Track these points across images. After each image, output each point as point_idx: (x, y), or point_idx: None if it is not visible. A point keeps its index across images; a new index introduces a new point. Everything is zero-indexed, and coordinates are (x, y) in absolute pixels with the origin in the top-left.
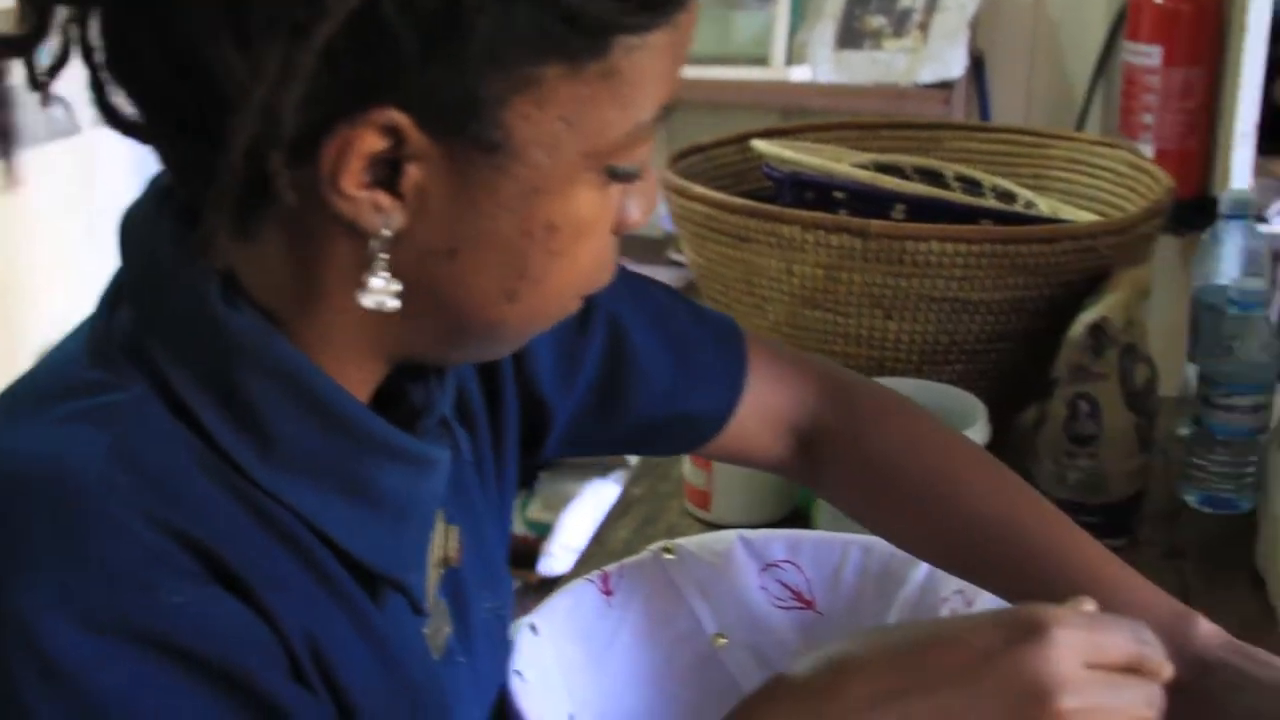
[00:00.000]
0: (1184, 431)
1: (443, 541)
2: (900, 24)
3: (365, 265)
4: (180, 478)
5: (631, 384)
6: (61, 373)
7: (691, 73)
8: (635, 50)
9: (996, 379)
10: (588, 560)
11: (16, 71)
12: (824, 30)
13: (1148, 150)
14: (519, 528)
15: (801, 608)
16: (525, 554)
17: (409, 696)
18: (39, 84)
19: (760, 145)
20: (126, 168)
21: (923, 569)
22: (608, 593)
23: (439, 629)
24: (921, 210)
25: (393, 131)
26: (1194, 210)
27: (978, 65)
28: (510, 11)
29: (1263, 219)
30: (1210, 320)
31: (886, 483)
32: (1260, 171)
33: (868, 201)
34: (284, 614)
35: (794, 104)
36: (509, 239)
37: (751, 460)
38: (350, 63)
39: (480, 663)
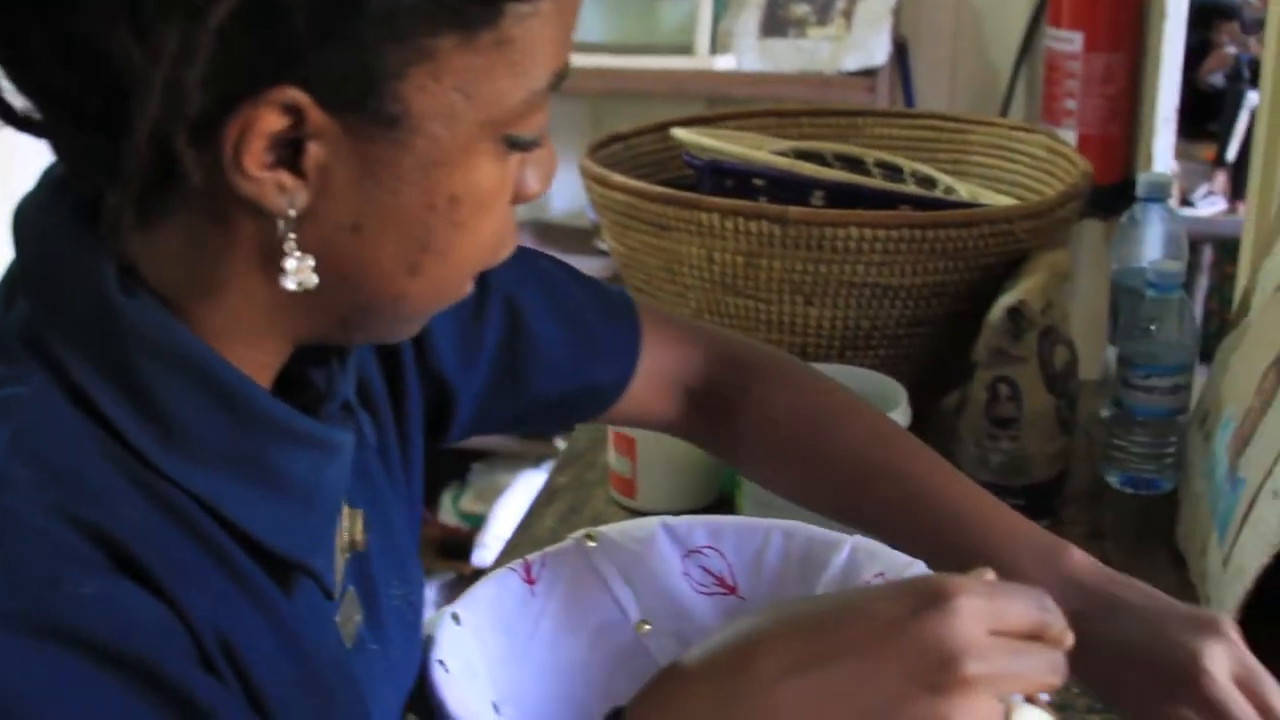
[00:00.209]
0: (1105, 413)
1: (348, 526)
2: (824, 12)
3: (270, 247)
4: (82, 469)
5: (531, 361)
6: None
7: (616, 62)
8: (526, 18)
9: (918, 363)
10: (513, 549)
11: None
12: (748, 19)
13: (1071, 136)
14: (452, 519)
15: (724, 593)
16: (458, 545)
17: (320, 686)
18: None
19: (680, 133)
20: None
21: (844, 553)
22: (530, 581)
23: (350, 617)
24: (840, 197)
25: (293, 110)
26: (1117, 195)
27: (901, 52)
28: None
29: (1188, 202)
30: (1129, 303)
31: (774, 436)
32: (1184, 156)
33: (787, 188)
34: (191, 605)
35: (719, 93)
36: (412, 212)
37: (646, 422)
38: (247, 43)
39: (393, 650)
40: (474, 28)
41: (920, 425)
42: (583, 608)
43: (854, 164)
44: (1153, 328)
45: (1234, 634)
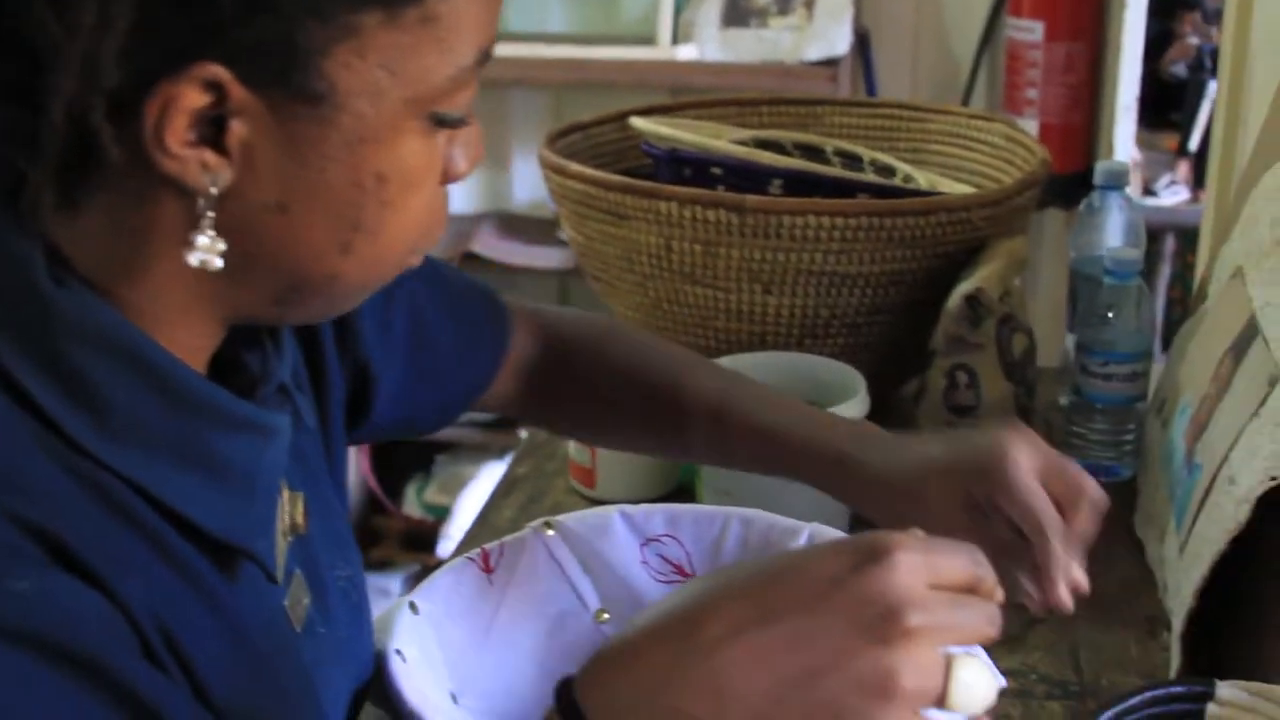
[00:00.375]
0: (1064, 401)
1: (289, 509)
2: (785, 2)
3: (194, 225)
4: (16, 460)
5: (432, 351)
6: None
7: (578, 52)
8: None
9: (877, 352)
10: (472, 540)
11: None
12: (710, 9)
13: (1032, 125)
14: (417, 511)
15: (683, 581)
16: (423, 537)
17: (266, 673)
18: None
19: (638, 122)
20: None
21: (803, 539)
22: (488, 571)
23: (298, 600)
24: (798, 185)
25: (215, 86)
26: (1079, 183)
27: (863, 42)
28: None
29: (1151, 192)
30: (1087, 290)
31: (592, 396)
32: (1147, 145)
33: (745, 177)
34: (132, 596)
35: (681, 83)
36: (339, 191)
37: (489, 406)
38: (167, 17)
39: (340, 632)
40: (398, 4)
41: (880, 413)
42: (541, 597)
43: (813, 153)
44: (1111, 315)
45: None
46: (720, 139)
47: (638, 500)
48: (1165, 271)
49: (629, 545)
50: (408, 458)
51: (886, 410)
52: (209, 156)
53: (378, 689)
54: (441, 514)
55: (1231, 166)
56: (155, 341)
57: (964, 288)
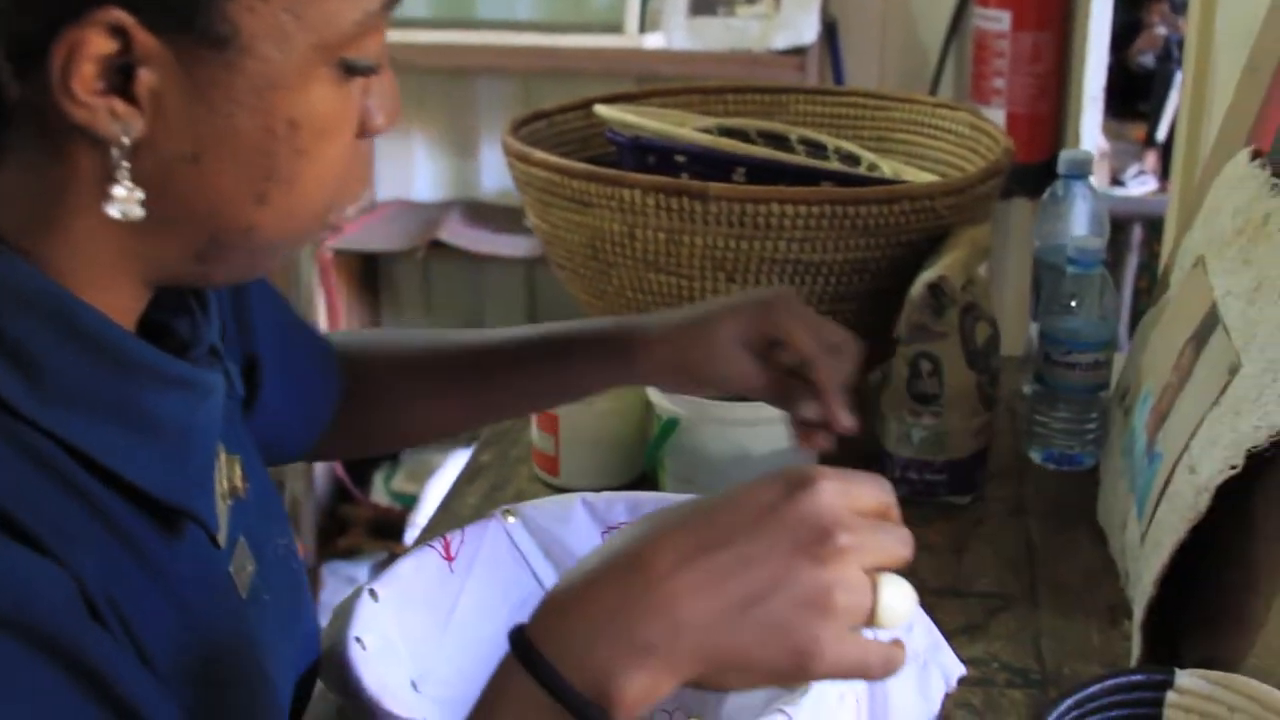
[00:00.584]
0: (1028, 389)
1: (227, 473)
2: None
3: (111, 180)
4: None
5: (297, 372)
6: None
7: (545, 41)
8: None
9: None
10: (434, 527)
11: None
12: None
13: (999, 114)
14: (384, 499)
15: None
16: (390, 525)
17: (213, 639)
18: None
19: (603, 110)
20: None
21: None
22: (449, 558)
23: (242, 567)
24: (762, 173)
25: (119, 32)
26: (1045, 173)
27: (830, 31)
28: None
29: (1119, 182)
30: (1051, 279)
31: (413, 389)
32: (1115, 135)
33: (709, 165)
34: (76, 562)
35: (648, 71)
36: (251, 138)
37: (323, 451)
38: None
39: (282, 600)
40: None
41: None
42: (503, 584)
43: (778, 141)
44: (1074, 304)
45: None
46: (685, 127)
47: (600, 488)
48: (1133, 261)
49: (590, 533)
50: None
51: (853, 398)
52: (118, 105)
53: (337, 677)
54: (409, 502)
55: (1196, 156)
56: (83, 300)
57: (927, 276)
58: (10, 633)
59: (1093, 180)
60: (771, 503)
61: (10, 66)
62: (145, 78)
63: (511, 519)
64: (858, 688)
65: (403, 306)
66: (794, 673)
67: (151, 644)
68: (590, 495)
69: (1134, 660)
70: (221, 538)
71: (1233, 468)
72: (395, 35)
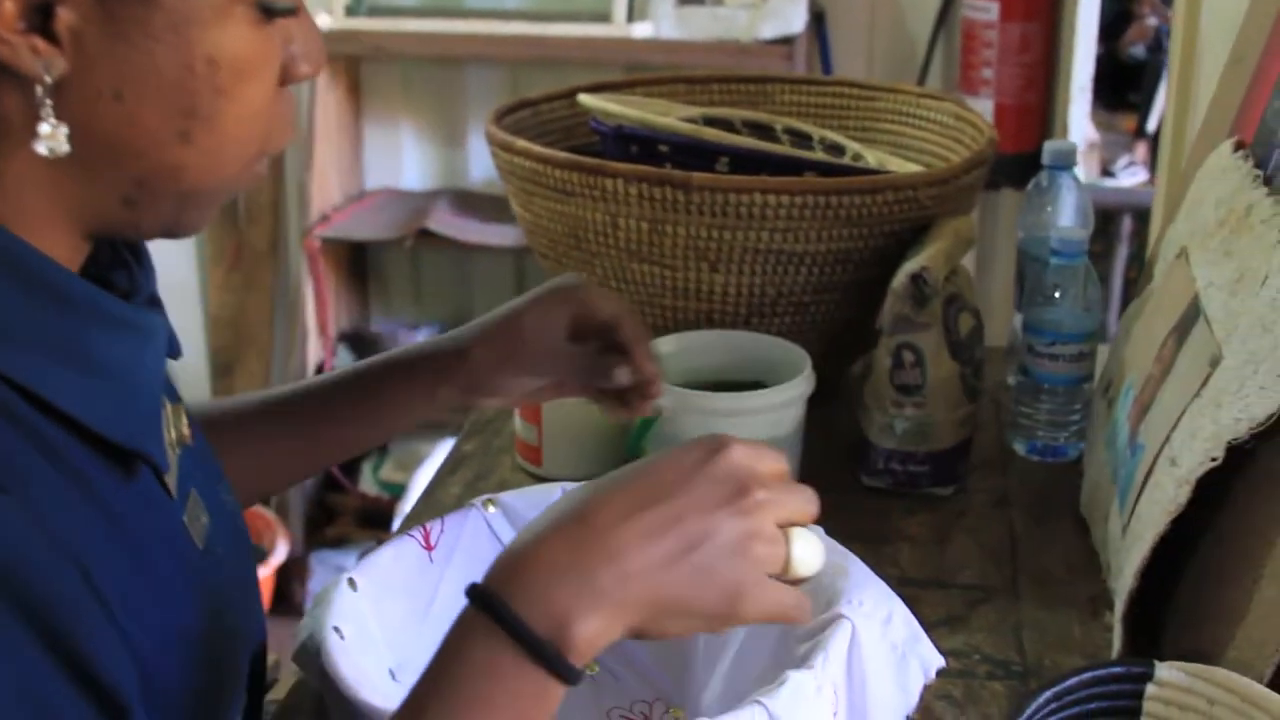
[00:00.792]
0: (1012, 381)
1: (173, 421)
2: None
3: (36, 116)
4: None
5: None
6: None
7: (533, 29)
8: None
9: (826, 330)
10: (416, 517)
11: None
12: None
13: (987, 104)
14: (372, 488)
15: None
16: (379, 514)
17: (167, 588)
18: None
19: (586, 99)
20: None
21: None
22: (429, 547)
23: (196, 518)
24: (746, 163)
25: None
26: (1033, 163)
27: (819, 21)
28: None
29: (1109, 173)
30: (1034, 270)
31: (260, 454)
32: (1106, 126)
33: (692, 155)
34: (35, 502)
35: (636, 60)
36: (171, 75)
37: None
38: None
39: (233, 554)
40: None
41: (829, 392)
42: (482, 573)
43: (763, 131)
44: (1057, 295)
45: None
46: (669, 116)
47: (583, 478)
48: (1123, 252)
49: None
50: None
51: (834, 389)
52: (39, 43)
53: (315, 666)
54: (397, 491)
55: (1182, 148)
56: (26, 241)
57: (909, 267)
58: None
59: (1082, 171)
60: (695, 463)
61: None
62: (64, 16)
63: (492, 508)
64: (836, 679)
65: (391, 296)
66: (725, 614)
67: (108, 590)
68: (571, 485)
69: (1115, 652)
70: (173, 485)
71: (1213, 460)
72: (384, 24)
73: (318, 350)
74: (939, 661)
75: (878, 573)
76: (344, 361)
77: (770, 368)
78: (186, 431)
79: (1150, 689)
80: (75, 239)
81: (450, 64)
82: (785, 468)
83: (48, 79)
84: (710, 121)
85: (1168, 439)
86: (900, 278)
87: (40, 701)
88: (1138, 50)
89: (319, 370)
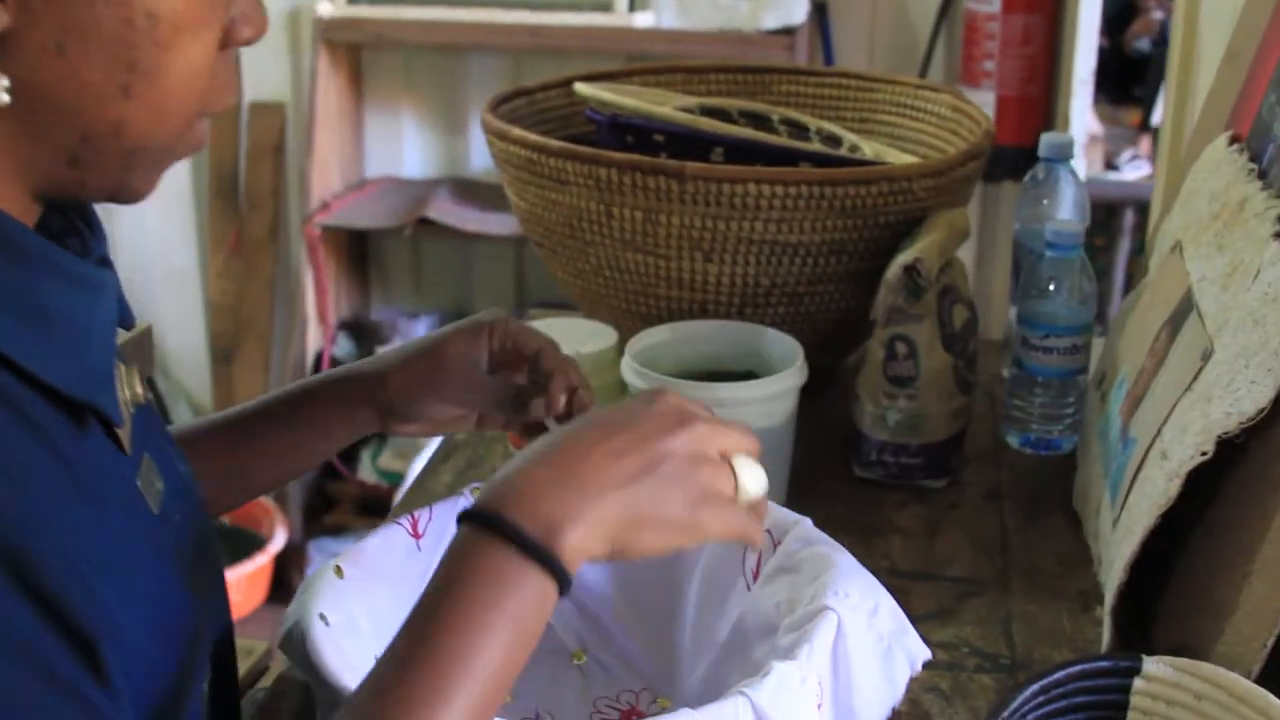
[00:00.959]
0: (1007, 373)
1: (126, 381)
2: None
3: None
4: None
5: None
6: None
7: (536, 19)
8: None
9: (819, 321)
10: (407, 505)
11: None
12: None
13: (989, 97)
14: (371, 477)
15: None
16: (377, 502)
17: (127, 546)
18: None
19: (582, 88)
20: None
21: None
22: (417, 535)
23: (151, 483)
24: (741, 153)
25: None
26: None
27: (821, 11)
28: None
29: (1113, 166)
30: (1030, 263)
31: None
32: (1110, 120)
33: (687, 144)
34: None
35: (638, 50)
36: (111, 28)
37: None
38: None
39: (191, 525)
40: None
41: (823, 383)
42: None
43: (760, 121)
44: (1051, 288)
45: None
46: (666, 106)
47: None
48: (1125, 246)
49: None
50: None
51: (829, 380)
52: None
53: (300, 654)
54: (396, 479)
55: (1181, 141)
56: None
57: (903, 258)
58: None
59: (1084, 164)
60: (643, 403)
61: None
62: None
63: None
64: (821, 671)
65: (391, 284)
66: (690, 525)
67: (73, 544)
68: None
69: (1104, 646)
70: (127, 443)
71: (1203, 454)
72: (386, 11)
73: (317, 338)
74: (925, 653)
75: (868, 564)
76: (344, 349)
77: (763, 358)
78: (140, 391)
79: (1138, 683)
80: (24, 200)
81: (452, 52)
82: (714, 414)
83: None
84: (707, 111)
85: (1159, 433)
86: (893, 269)
87: (11, 638)
88: (1143, 44)
89: (318, 357)
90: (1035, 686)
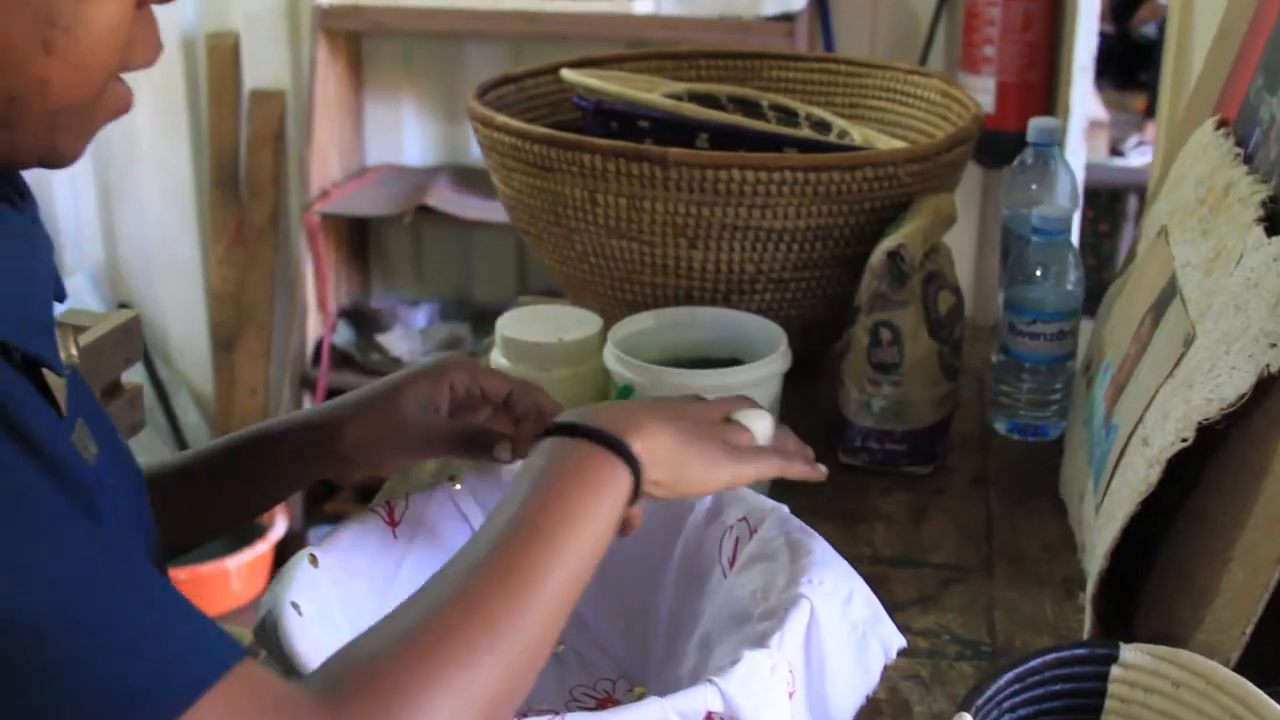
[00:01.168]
0: (995, 359)
1: (63, 341)
2: None
3: None
4: None
5: None
6: None
7: (535, 5)
8: None
9: (806, 308)
10: (390, 493)
11: None
12: None
13: (990, 83)
14: None
15: None
16: (377, 490)
17: (74, 498)
18: None
19: (568, 75)
20: None
21: (707, 498)
22: (393, 524)
23: (84, 446)
24: (726, 139)
25: None
26: None
27: None
28: None
29: (1119, 152)
30: (1017, 248)
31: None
32: (1116, 106)
33: (672, 130)
34: None
35: (638, 36)
36: None
37: None
38: None
39: (128, 492)
40: None
41: (809, 370)
42: (446, 550)
43: (749, 107)
44: (1039, 274)
45: None
46: (654, 92)
47: None
48: (1130, 232)
49: None
50: None
51: (815, 367)
52: None
53: (273, 642)
54: None
55: (1177, 125)
56: None
57: (887, 244)
58: None
59: (1085, 150)
60: (637, 404)
61: None
62: None
63: (456, 485)
64: (793, 659)
65: (391, 271)
66: (726, 462)
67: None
68: None
69: (1085, 633)
70: (63, 403)
71: (1184, 440)
72: None
73: (318, 326)
74: (900, 641)
75: (852, 551)
76: (344, 337)
77: (747, 345)
78: (74, 353)
79: (1115, 671)
80: None
81: (451, 39)
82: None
83: None
84: (696, 97)
85: (1141, 419)
86: (877, 255)
87: (16, 491)
88: (1149, 29)
89: (319, 345)
90: (1011, 674)
